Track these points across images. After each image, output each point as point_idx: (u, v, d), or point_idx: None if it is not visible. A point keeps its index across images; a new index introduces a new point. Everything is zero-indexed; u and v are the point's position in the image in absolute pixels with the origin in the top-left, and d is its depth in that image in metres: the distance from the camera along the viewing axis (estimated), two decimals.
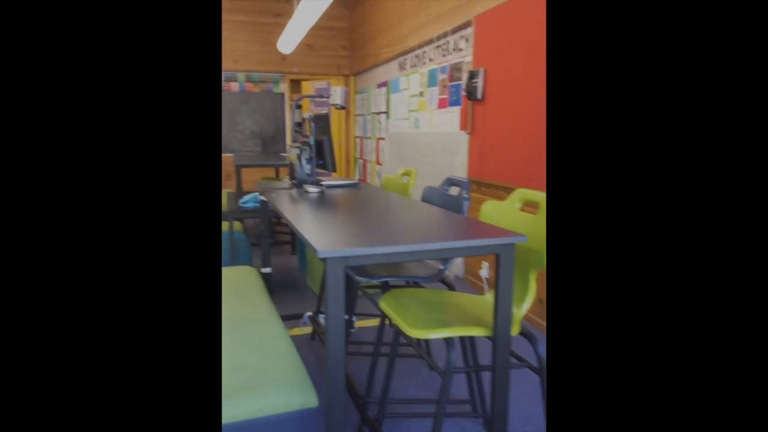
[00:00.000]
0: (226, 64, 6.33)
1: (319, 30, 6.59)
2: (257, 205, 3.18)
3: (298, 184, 2.49)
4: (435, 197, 2.05)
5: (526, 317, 3.00)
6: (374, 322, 3.01)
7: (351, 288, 2.45)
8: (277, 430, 1.32)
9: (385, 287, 1.87)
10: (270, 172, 6.73)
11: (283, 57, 6.53)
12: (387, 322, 2.54)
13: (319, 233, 1.35)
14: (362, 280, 1.75)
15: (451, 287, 1.91)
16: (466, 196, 1.80)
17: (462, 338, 1.86)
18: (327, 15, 6.58)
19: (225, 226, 3.86)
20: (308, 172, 2.48)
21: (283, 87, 6.65)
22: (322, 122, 2.51)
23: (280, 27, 6.45)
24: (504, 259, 1.37)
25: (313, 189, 2.33)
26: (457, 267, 3.91)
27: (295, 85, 6.65)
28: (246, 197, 3.25)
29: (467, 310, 1.59)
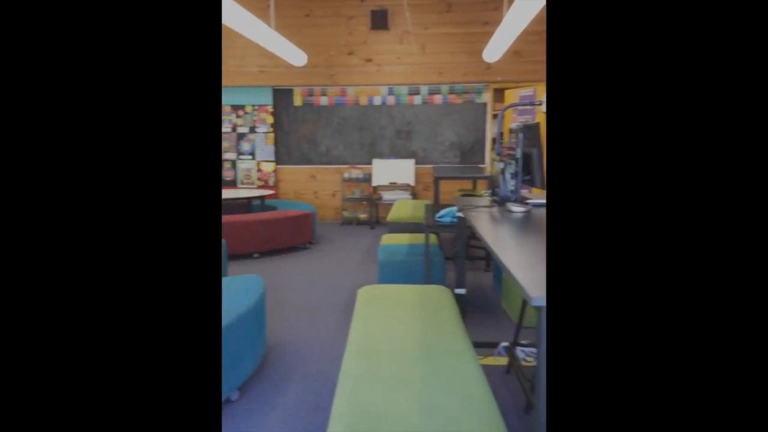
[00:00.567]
0: (430, 77, 6.44)
1: (528, 35, 6.26)
2: (454, 220, 3.06)
3: (501, 201, 2.27)
4: None
5: None
6: None
7: None
8: None
9: None
10: (467, 184, 6.63)
11: (488, 66, 6.37)
12: None
13: (530, 269, 1.12)
14: None
15: None
16: None
17: None
18: (537, 18, 6.21)
19: (421, 238, 3.84)
20: (512, 188, 2.24)
21: (486, 96, 6.48)
22: (531, 133, 2.24)
23: (487, 36, 6.31)
24: None
25: (517, 208, 2.08)
26: None
27: (498, 93, 6.44)
28: (443, 211, 3.15)
29: None
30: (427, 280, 3.15)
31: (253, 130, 6.79)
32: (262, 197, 5.58)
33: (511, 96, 5.27)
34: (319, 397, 2.20)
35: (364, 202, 6.86)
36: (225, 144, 6.82)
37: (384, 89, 6.62)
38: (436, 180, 4.46)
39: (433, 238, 3.79)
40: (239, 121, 6.78)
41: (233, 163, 6.87)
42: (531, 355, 2.64)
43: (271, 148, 6.78)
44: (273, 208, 5.71)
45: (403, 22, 6.40)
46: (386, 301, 2.19)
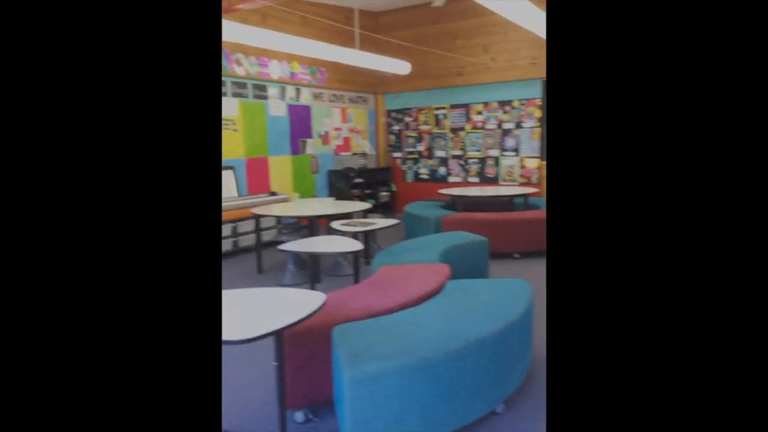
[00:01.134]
0: None
1: None
2: None
3: None
4: None
5: None
6: None
7: None
8: None
9: None
10: None
11: None
12: None
13: None
14: None
15: None
16: None
17: None
18: None
19: None
20: None
21: None
22: None
23: None
24: None
25: None
26: None
27: None
28: None
29: None
30: None
31: (519, 125, 6.60)
32: (525, 195, 5.36)
33: None
34: None
35: None
36: (489, 141, 6.82)
37: None
38: None
39: None
40: (505, 117, 6.67)
41: (496, 160, 6.82)
42: None
43: (536, 144, 6.48)
44: (536, 207, 5.42)
45: None
46: None
